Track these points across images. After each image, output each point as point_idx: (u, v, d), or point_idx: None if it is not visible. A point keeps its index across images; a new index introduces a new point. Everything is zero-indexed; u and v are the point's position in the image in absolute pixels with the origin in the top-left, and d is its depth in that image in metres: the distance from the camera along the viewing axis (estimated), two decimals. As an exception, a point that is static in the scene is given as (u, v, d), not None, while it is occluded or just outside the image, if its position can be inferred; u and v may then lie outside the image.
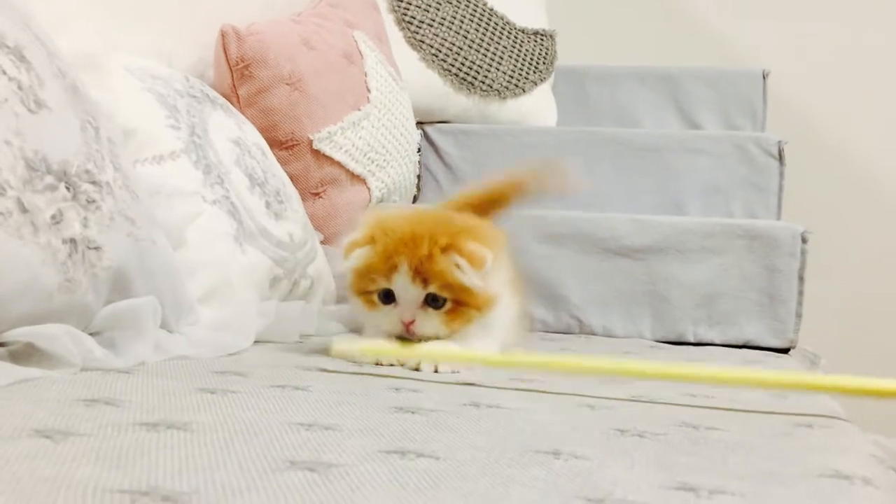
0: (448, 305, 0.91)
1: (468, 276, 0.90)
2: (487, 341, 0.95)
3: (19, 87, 0.78)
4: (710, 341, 1.46)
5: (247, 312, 1.02)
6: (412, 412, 0.65)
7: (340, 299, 1.27)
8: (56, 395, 0.63)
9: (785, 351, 1.45)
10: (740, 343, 1.45)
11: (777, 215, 1.73)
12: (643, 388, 0.84)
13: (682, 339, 1.46)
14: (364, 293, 0.94)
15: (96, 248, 0.80)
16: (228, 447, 0.51)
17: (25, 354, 0.73)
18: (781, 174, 1.74)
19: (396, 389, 0.75)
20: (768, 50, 2.25)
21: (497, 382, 0.83)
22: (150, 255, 0.88)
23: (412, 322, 0.92)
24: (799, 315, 1.45)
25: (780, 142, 1.74)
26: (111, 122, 0.95)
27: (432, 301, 0.91)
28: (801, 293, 1.45)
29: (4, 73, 0.77)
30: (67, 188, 0.79)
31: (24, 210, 0.73)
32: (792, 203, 1.78)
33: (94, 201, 0.81)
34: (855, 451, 0.60)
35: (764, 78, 2.03)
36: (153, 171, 1.03)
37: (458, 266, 0.90)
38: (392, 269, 0.91)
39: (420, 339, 0.92)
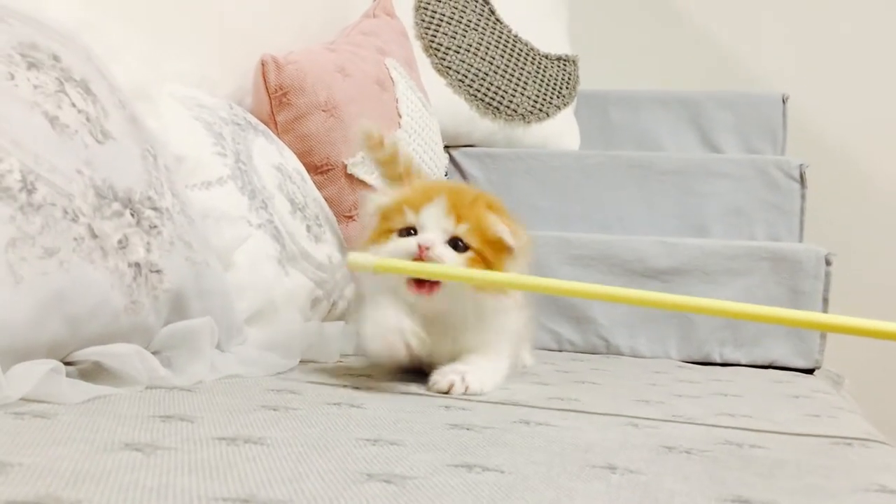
0: (470, 255, 0.88)
1: (505, 234, 0.88)
2: (497, 350, 0.92)
3: (87, 119, 0.82)
4: (735, 361, 1.48)
5: (292, 332, 1.06)
6: (467, 429, 0.68)
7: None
8: (131, 411, 0.66)
9: (810, 371, 1.47)
10: (766, 363, 1.48)
11: (799, 238, 1.76)
12: (682, 409, 0.86)
13: (709, 360, 1.49)
14: (383, 234, 0.90)
15: (158, 272, 0.84)
16: (305, 460, 0.54)
17: (94, 373, 0.76)
18: (803, 197, 1.77)
19: (447, 407, 0.78)
20: (787, 73, 2.28)
21: (539, 402, 0.86)
22: (205, 278, 0.92)
23: (430, 247, 0.86)
24: (824, 336, 1.48)
25: (801, 165, 1.77)
26: (166, 150, 0.99)
27: (454, 244, 0.88)
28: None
29: (74, 105, 0.82)
30: (132, 214, 0.83)
31: (94, 236, 0.77)
32: (813, 225, 1.81)
33: (155, 227, 0.85)
34: (896, 468, 0.63)
35: (783, 102, 2.06)
36: (201, 197, 1.07)
37: (496, 223, 0.88)
38: (426, 199, 0.89)
39: (432, 295, 0.87)
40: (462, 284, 0.87)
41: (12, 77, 0.77)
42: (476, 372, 0.88)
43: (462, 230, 0.88)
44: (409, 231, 0.89)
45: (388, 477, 0.51)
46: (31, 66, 0.80)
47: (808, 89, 2.23)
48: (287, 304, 1.11)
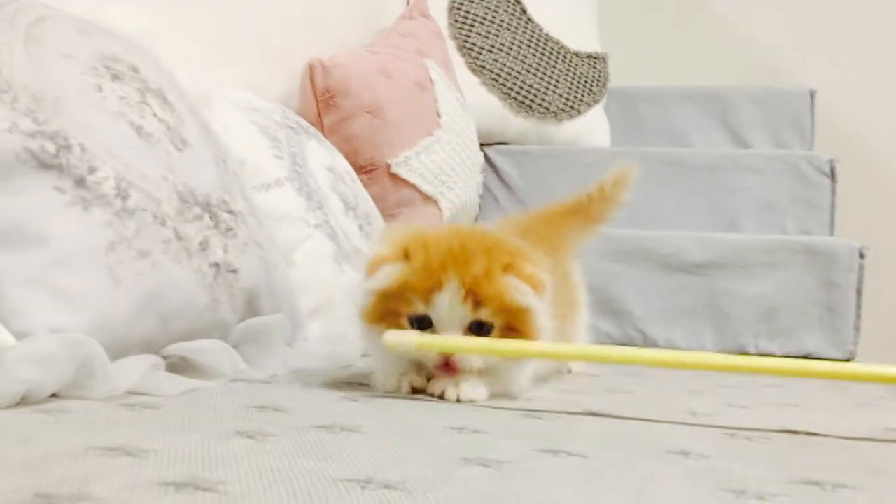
0: (495, 333, 0.79)
1: (529, 300, 0.79)
2: (520, 376, 0.83)
3: (168, 128, 0.87)
4: (770, 353, 1.52)
5: (351, 328, 1.10)
6: (539, 419, 0.73)
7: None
8: (226, 402, 0.71)
9: (844, 362, 1.51)
10: (801, 354, 1.51)
11: (830, 231, 1.79)
12: (731, 399, 0.90)
13: (744, 351, 1.53)
14: (389, 319, 0.80)
15: (234, 271, 0.89)
16: (403, 446, 0.59)
17: (180, 366, 0.81)
18: (833, 191, 1.80)
19: (513, 399, 0.83)
20: (815, 68, 2.31)
21: (597, 393, 0.90)
22: (275, 277, 0.97)
23: (458, 361, 0.78)
24: (857, 328, 1.52)
25: (832, 160, 1.80)
26: (231, 155, 1.03)
27: (477, 328, 0.79)
28: (858, 307, 1.52)
29: (155, 114, 0.86)
30: (210, 217, 0.87)
31: (179, 238, 0.82)
32: (843, 219, 1.84)
33: (231, 229, 0.90)
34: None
35: (811, 97, 2.09)
36: (261, 199, 1.12)
37: (516, 289, 0.78)
38: (435, 286, 0.78)
39: (456, 375, 0.79)
40: (487, 360, 0.79)
41: (100, 89, 0.82)
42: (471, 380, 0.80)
43: (483, 315, 0.78)
44: (422, 320, 0.79)
45: (483, 461, 0.56)
46: (115, 77, 0.85)
47: (836, 84, 2.25)
48: (344, 301, 1.16)
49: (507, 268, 0.79)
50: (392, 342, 0.78)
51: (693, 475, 0.56)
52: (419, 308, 0.78)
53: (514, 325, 0.79)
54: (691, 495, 0.51)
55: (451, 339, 0.78)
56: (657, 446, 0.64)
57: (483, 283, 0.77)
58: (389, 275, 0.79)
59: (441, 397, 0.79)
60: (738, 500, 0.50)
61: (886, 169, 2.31)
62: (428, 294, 0.78)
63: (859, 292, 1.51)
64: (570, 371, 1.13)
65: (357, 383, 0.88)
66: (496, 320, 0.78)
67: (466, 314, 0.78)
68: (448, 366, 0.79)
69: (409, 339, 0.77)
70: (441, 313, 0.78)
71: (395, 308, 0.79)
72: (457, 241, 0.80)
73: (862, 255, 1.51)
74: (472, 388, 0.79)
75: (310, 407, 0.71)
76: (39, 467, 0.47)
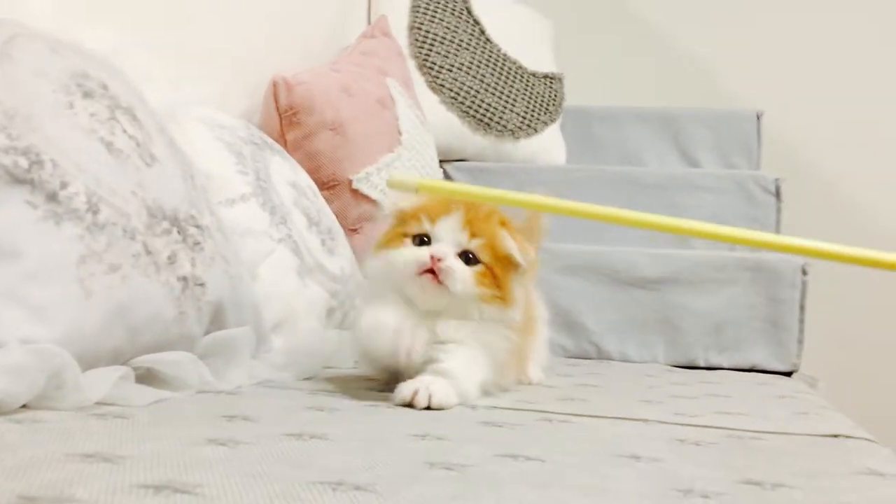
0: (480, 268, 0.91)
1: (515, 252, 0.91)
2: (477, 362, 0.91)
3: (137, 144, 0.89)
4: (719, 365, 1.57)
5: (314, 341, 1.12)
6: (499, 426, 0.76)
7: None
8: (195, 412, 0.73)
9: (788, 374, 1.57)
10: (747, 367, 1.57)
11: (776, 248, 1.85)
12: (682, 408, 0.95)
13: (694, 364, 1.58)
14: (397, 238, 0.93)
15: (201, 285, 0.91)
16: (370, 452, 0.61)
17: (147, 378, 0.83)
18: (779, 209, 1.87)
19: (473, 408, 0.86)
20: (762, 90, 2.39)
21: (553, 403, 0.93)
22: (240, 290, 0.99)
23: (442, 259, 0.89)
24: (800, 341, 1.58)
25: (777, 179, 1.87)
26: (198, 171, 1.05)
27: (465, 258, 0.91)
28: (801, 321, 1.58)
29: (125, 131, 0.88)
30: (178, 232, 0.89)
31: (148, 252, 0.84)
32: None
33: (198, 243, 0.92)
34: (883, 456, 0.71)
35: (758, 118, 2.17)
36: (227, 213, 1.14)
37: (508, 239, 0.91)
38: (444, 210, 0.91)
39: (437, 292, 0.89)
40: (468, 290, 0.89)
41: (71, 106, 0.83)
42: (443, 385, 0.85)
43: (474, 245, 0.91)
44: (422, 238, 0.92)
45: (447, 465, 0.59)
46: (86, 95, 0.86)
47: (782, 106, 2.33)
48: (306, 314, 1.18)
49: (504, 224, 0.93)
50: (393, 181, 0.85)
51: (643, 477, 0.59)
52: (424, 227, 0.91)
53: (496, 271, 0.92)
54: (643, 494, 0.54)
55: (449, 184, 0.85)
56: (611, 451, 0.67)
57: (482, 222, 0.92)
58: (413, 201, 0.93)
59: (410, 405, 0.83)
60: (685, 499, 0.54)
61: (829, 188, 2.40)
62: (435, 216, 0.91)
63: (802, 307, 1.57)
64: (529, 383, 1.18)
65: (322, 392, 0.90)
66: (483, 255, 0.91)
67: (462, 241, 0.91)
68: (432, 272, 0.89)
69: (412, 178, 0.88)
70: (441, 233, 0.91)
71: (404, 230, 0.93)
72: (469, 199, 0.93)
73: (805, 272, 1.57)
74: (444, 395, 0.84)
75: (277, 416, 0.74)
76: (21, 472, 0.49)
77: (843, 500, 0.57)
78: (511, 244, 0.92)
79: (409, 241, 0.92)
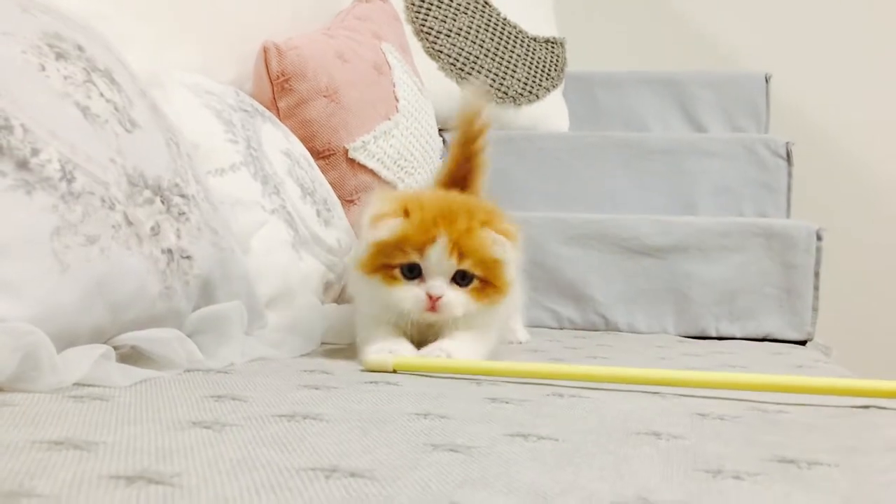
0: (474, 284, 0.92)
1: (504, 251, 0.92)
2: (485, 337, 0.96)
3: (115, 109, 0.83)
4: (731, 335, 1.52)
5: (311, 316, 1.07)
6: (506, 402, 0.71)
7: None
8: (180, 392, 0.68)
9: (802, 343, 1.52)
10: (760, 336, 1.52)
11: (786, 214, 1.80)
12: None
13: (705, 334, 1.53)
14: (384, 268, 0.92)
15: (188, 258, 0.85)
16: (367, 434, 0.56)
17: (132, 357, 0.78)
18: (790, 174, 1.81)
19: (478, 383, 0.81)
20: (770, 52, 2.33)
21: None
22: (231, 264, 0.93)
23: (440, 298, 0.90)
24: (815, 309, 1.53)
25: (787, 143, 1.81)
26: (184, 138, 1.00)
27: (460, 278, 0.92)
28: (816, 288, 1.53)
29: (102, 95, 0.83)
30: (162, 202, 0.84)
31: (129, 223, 0.78)
32: (799, 201, 1.85)
33: (184, 213, 0.86)
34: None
35: (766, 81, 2.11)
36: (216, 184, 1.08)
37: (494, 242, 0.92)
38: (429, 241, 0.90)
39: (438, 319, 0.92)
40: (469, 310, 0.93)
41: (43, 68, 0.78)
42: (461, 349, 0.91)
43: (465, 265, 0.92)
44: (412, 268, 0.92)
45: (452, 447, 0.54)
46: (59, 56, 0.81)
47: (791, 68, 2.27)
48: (302, 288, 1.13)
49: (485, 223, 0.93)
50: (370, 363, 0.87)
51: (665, 457, 0.54)
52: (413, 258, 0.91)
53: (489, 277, 0.93)
54: (668, 476, 0.49)
55: (425, 360, 0.87)
56: (628, 428, 0.62)
57: (467, 239, 0.91)
58: (392, 228, 0.91)
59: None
60: (714, 481, 0.49)
61: (841, 151, 2.34)
62: (422, 247, 0.90)
63: (817, 274, 1.52)
64: (520, 342, 1.15)
65: (319, 371, 0.85)
66: (476, 271, 0.92)
67: (453, 264, 0.91)
68: (433, 308, 0.91)
69: (387, 359, 0.87)
70: (432, 264, 0.91)
71: (390, 259, 0.91)
72: (444, 201, 0.94)
73: (819, 237, 1.52)
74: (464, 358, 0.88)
75: (269, 395, 0.69)
76: (-22, 464, 0.44)
77: (882, 479, 0.52)
78: (497, 248, 0.93)
79: (397, 271, 0.92)
